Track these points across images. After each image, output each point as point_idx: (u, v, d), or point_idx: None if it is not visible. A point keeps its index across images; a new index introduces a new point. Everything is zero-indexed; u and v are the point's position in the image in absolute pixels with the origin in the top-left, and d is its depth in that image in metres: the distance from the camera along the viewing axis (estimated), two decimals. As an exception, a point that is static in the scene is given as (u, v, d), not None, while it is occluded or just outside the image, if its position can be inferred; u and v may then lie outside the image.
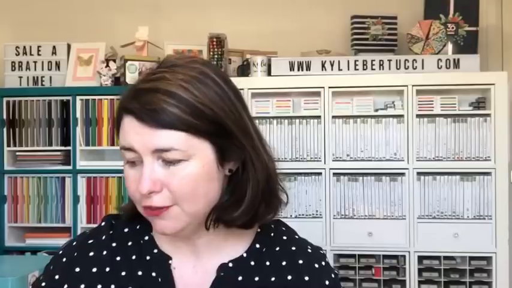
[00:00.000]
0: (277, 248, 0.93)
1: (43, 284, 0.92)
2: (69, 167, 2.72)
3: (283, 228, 0.97)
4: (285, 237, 0.95)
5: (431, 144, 2.52)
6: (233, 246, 0.92)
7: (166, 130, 0.79)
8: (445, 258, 2.51)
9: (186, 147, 0.80)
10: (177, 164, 0.81)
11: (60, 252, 0.95)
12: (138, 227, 0.94)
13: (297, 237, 0.97)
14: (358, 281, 2.54)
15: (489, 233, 2.48)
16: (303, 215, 2.55)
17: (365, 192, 2.54)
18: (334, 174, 2.55)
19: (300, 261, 0.92)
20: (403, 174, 2.52)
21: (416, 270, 2.50)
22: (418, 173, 2.51)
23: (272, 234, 0.95)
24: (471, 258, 2.48)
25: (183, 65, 0.84)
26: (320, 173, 2.55)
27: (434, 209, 2.51)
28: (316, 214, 2.55)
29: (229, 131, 0.83)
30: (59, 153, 2.76)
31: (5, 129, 2.77)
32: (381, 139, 2.54)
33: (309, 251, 0.95)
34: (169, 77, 0.81)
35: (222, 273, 0.88)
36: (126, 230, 0.94)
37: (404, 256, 2.51)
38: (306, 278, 0.90)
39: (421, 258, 2.51)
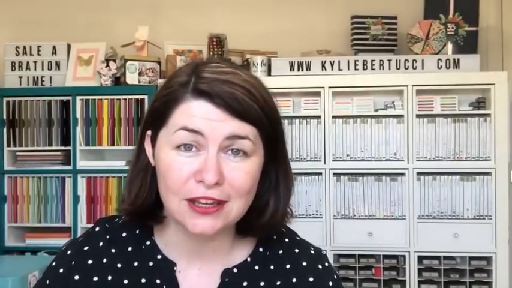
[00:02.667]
0: (280, 251, 0.92)
1: None
2: (69, 167, 2.72)
3: (284, 230, 0.96)
4: (287, 240, 0.94)
5: (431, 144, 2.52)
6: (238, 251, 0.90)
7: (242, 121, 0.79)
8: (445, 258, 2.51)
9: (255, 142, 0.81)
10: (243, 158, 0.80)
11: (54, 263, 0.89)
12: (137, 232, 0.90)
13: (298, 238, 0.96)
14: (358, 281, 2.54)
15: (489, 233, 2.48)
16: (303, 215, 2.55)
17: (365, 192, 2.54)
18: (334, 174, 2.55)
19: (304, 263, 0.91)
20: (403, 174, 2.52)
21: (416, 270, 2.50)
22: (418, 173, 2.51)
23: (274, 236, 0.93)
24: (471, 258, 2.48)
25: (242, 68, 0.85)
26: (320, 173, 2.55)
27: (434, 209, 2.51)
28: (316, 214, 2.55)
29: (277, 139, 0.86)
30: (59, 153, 2.76)
31: (5, 129, 2.77)
32: (381, 139, 2.54)
33: (312, 252, 0.94)
34: (243, 74, 0.81)
35: (226, 279, 0.87)
36: (124, 234, 0.90)
37: (404, 256, 2.51)
38: (311, 279, 0.89)
39: (421, 258, 2.51)
